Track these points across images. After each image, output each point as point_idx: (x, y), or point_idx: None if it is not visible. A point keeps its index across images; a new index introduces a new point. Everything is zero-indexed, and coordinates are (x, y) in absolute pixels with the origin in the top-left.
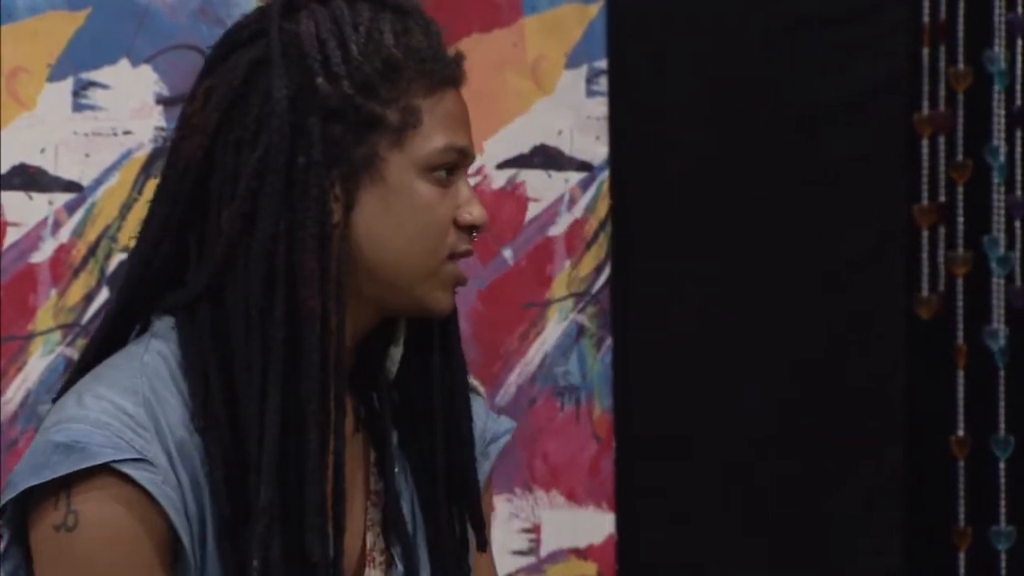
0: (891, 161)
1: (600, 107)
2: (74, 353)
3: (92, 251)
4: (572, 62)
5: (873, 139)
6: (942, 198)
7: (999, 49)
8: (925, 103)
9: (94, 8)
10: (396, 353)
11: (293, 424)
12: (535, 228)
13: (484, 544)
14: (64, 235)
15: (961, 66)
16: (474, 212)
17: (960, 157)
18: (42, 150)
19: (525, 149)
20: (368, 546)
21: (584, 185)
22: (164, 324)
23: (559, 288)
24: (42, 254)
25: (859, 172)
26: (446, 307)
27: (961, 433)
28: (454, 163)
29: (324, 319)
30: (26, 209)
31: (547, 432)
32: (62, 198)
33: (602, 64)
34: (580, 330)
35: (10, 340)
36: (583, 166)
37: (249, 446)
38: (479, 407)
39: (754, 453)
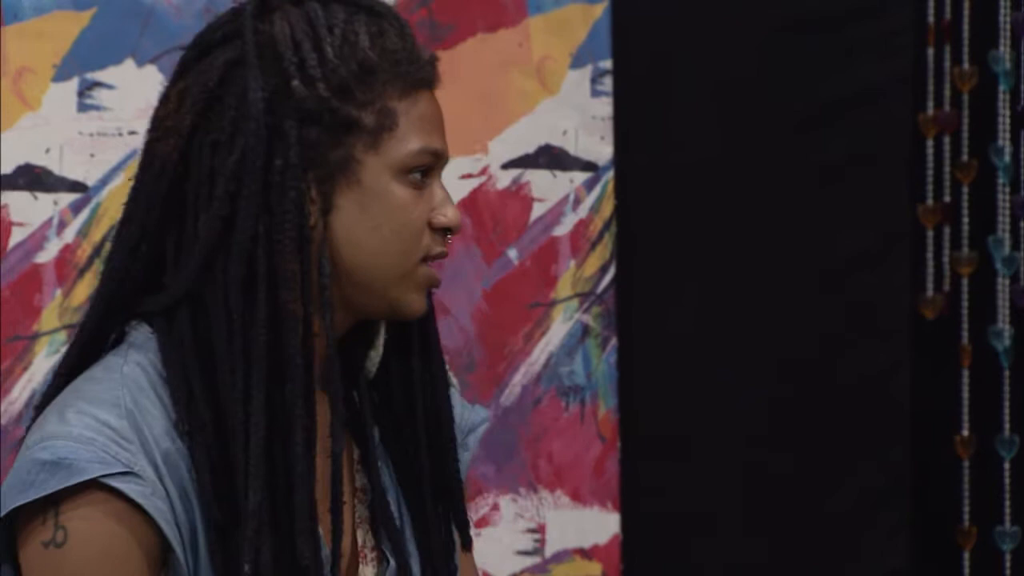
0: (896, 161)
1: (605, 107)
2: None
3: (97, 251)
4: (577, 62)
5: (878, 139)
6: (947, 198)
7: (1004, 49)
8: (930, 103)
9: (99, 8)
10: (375, 354)
11: (279, 427)
12: (540, 228)
13: (468, 542)
14: (69, 235)
15: (966, 66)
16: (448, 214)
17: (965, 157)
18: (47, 150)
19: (530, 149)
20: (360, 543)
21: (589, 185)
22: (141, 333)
23: (564, 288)
24: (47, 254)
25: (864, 172)
26: (419, 309)
27: (966, 433)
28: (429, 165)
29: (307, 322)
30: (31, 209)
31: (552, 432)
32: (67, 198)
33: (607, 64)
34: (585, 330)
35: (15, 340)
36: (588, 166)
37: (235, 451)
38: (454, 398)
39: (758, 453)
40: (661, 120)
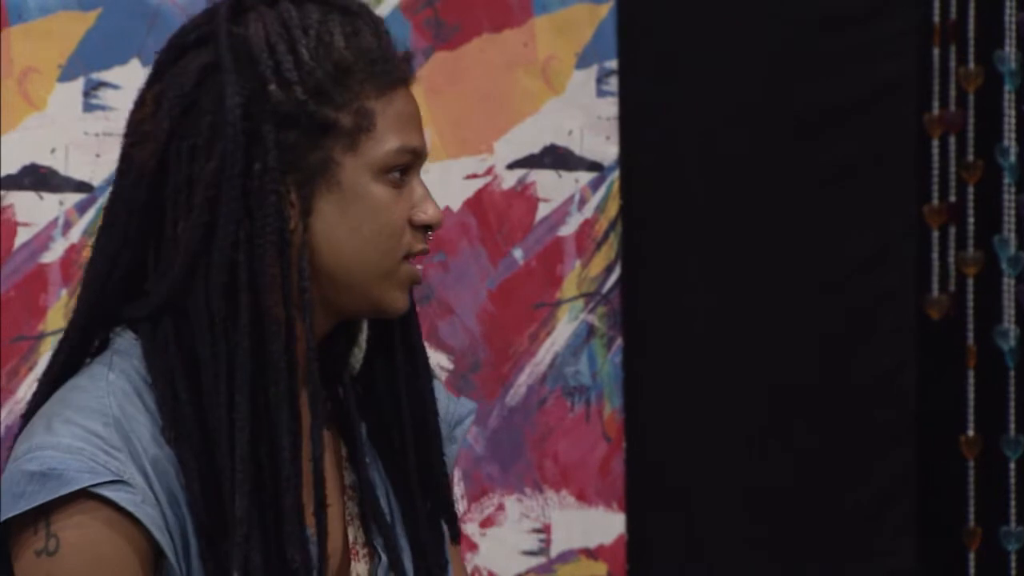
0: (902, 161)
1: (611, 107)
2: None
3: None
4: (583, 62)
5: (884, 139)
6: (953, 198)
7: (1010, 49)
8: (936, 103)
9: (105, 8)
10: (359, 350)
11: (264, 433)
12: (545, 228)
13: (457, 535)
14: (75, 235)
15: (972, 66)
16: (429, 211)
17: (971, 157)
18: (53, 150)
19: (535, 149)
20: (351, 540)
21: (594, 185)
22: (125, 340)
23: (569, 288)
24: (53, 254)
25: (870, 172)
26: (402, 307)
27: (971, 433)
28: (408, 164)
29: (289, 326)
30: (37, 209)
31: (557, 432)
32: (73, 198)
33: (612, 64)
34: (590, 330)
35: (21, 340)
36: (593, 166)
37: (221, 457)
38: (439, 391)
39: (764, 453)
40: (666, 120)
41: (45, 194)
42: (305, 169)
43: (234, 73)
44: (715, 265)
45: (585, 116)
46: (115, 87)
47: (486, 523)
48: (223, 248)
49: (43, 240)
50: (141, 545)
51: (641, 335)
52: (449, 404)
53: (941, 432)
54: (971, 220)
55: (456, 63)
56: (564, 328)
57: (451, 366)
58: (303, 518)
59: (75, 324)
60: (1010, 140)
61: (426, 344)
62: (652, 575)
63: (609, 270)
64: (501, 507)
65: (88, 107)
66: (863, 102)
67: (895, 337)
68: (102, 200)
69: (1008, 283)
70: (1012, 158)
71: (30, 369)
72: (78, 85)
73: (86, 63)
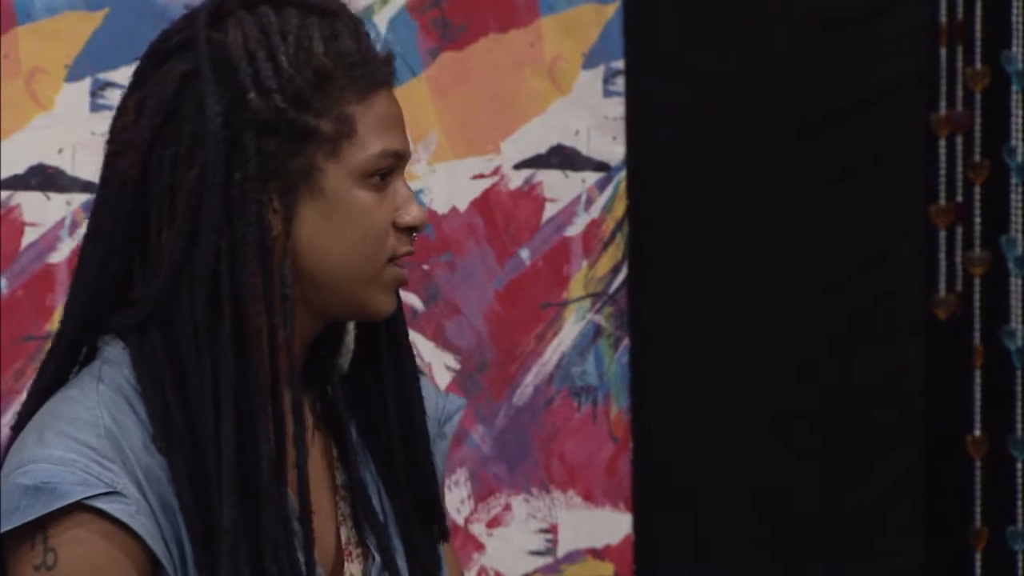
0: (908, 161)
1: (617, 107)
2: None
3: None
4: (589, 62)
5: (891, 139)
6: (959, 198)
7: (1017, 49)
8: (943, 103)
9: (112, 8)
10: (346, 350)
11: (249, 442)
12: (552, 228)
13: (446, 534)
14: (82, 235)
15: (979, 66)
16: (412, 213)
17: (977, 157)
18: (60, 150)
19: (542, 149)
20: (344, 541)
21: (601, 185)
22: (114, 349)
23: (576, 288)
24: (60, 254)
25: (877, 172)
26: (388, 310)
27: (978, 433)
28: (390, 167)
29: (272, 335)
30: (44, 209)
31: (564, 432)
32: (80, 198)
33: (619, 64)
34: (597, 330)
35: (28, 340)
36: (600, 166)
37: (209, 466)
38: (427, 388)
39: (771, 452)
40: (673, 120)
41: (52, 194)
42: (287, 176)
43: (213, 82)
44: (722, 265)
45: (592, 116)
46: (122, 87)
47: (493, 523)
48: (205, 258)
49: (50, 240)
50: (137, 556)
51: (648, 335)
52: (438, 400)
53: (948, 432)
54: (978, 220)
55: (463, 63)
56: (571, 328)
57: (458, 366)
58: (291, 527)
59: (63, 334)
60: (1017, 140)
61: (433, 344)
62: (659, 575)
63: (616, 270)
64: (508, 507)
65: (95, 107)
66: (870, 102)
67: (902, 337)
68: None
69: (1015, 283)
70: (1019, 158)
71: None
72: (85, 85)
73: (93, 63)
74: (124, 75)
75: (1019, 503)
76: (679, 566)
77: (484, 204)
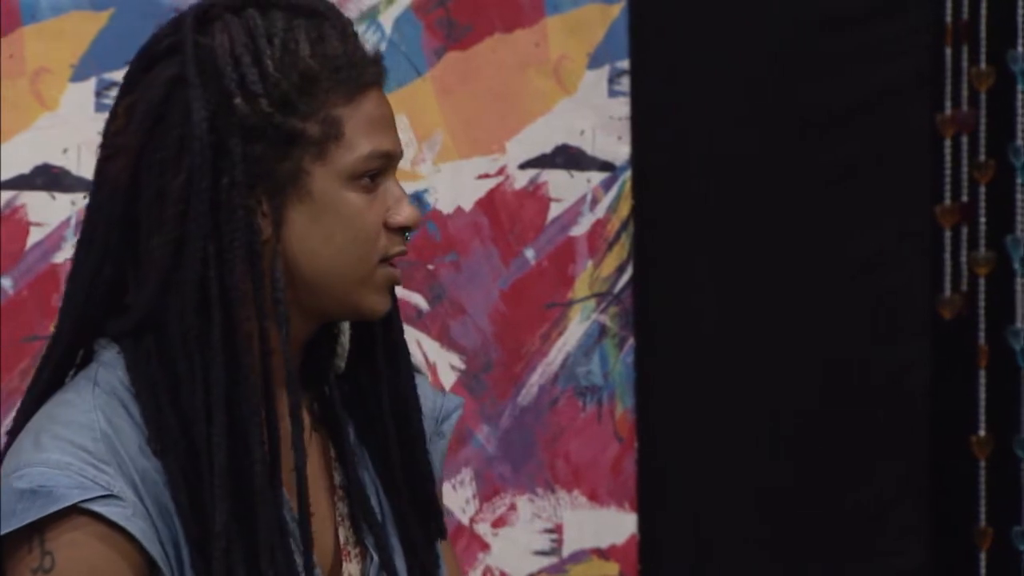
0: (914, 161)
1: (622, 107)
2: None
3: None
4: (594, 62)
5: (896, 139)
6: (965, 198)
7: (1022, 49)
8: (948, 103)
9: (117, 8)
10: (342, 349)
11: (241, 446)
12: (557, 228)
13: (442, 532)
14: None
15: (984, 66)
16: (403, 213)
17: (983, 157)
18: (65, 150)
19: (547, 149)
20: (342, 541)
21: (606, 185)
22: (109, 352)
23: (581, 288)
24: (65, 254)
25: (882, 172)
26: (382, 310)
27: (983, 433)
28: (380, 168)
29: (264, 338)
30: (49, 209)
31: (569, 432)
32: (85, 198)
33: (624, 64)
34: (602, 330)
35: (33, 340)
36: (605, 166)
37: (202, 470)
38: (424, 387)
39: (775, 453)
40: (678, 120)
41: (57, 194)
42: (275, 180)
43: (200, 87)
44: (727, 265)
45: (597, 116)
46: None
47: (498, 523)
48: (193, 263)
49: (55, 240)
50: (134, 559)
51: (653, 335)
52: (436, 400)
53: (952, 432)
54: (983, 220)
55: (468, 63)
56: (576, 328)
57: (463, 366)
58: (287, 530)
59: (58, 339)
60: (1022, 140)
61: (438, 344)
62: (664, 575)
63: (621, 270)
64: (513, 507)
65: (100, 107)
66: (875, 102)
67: (906, 337)
68: None
69: (1020, 283)
70: None
71: None
72: (90, 85)
73: (98, 63)
74: None
75: None
76: (683, 566)
77: (489, 204)
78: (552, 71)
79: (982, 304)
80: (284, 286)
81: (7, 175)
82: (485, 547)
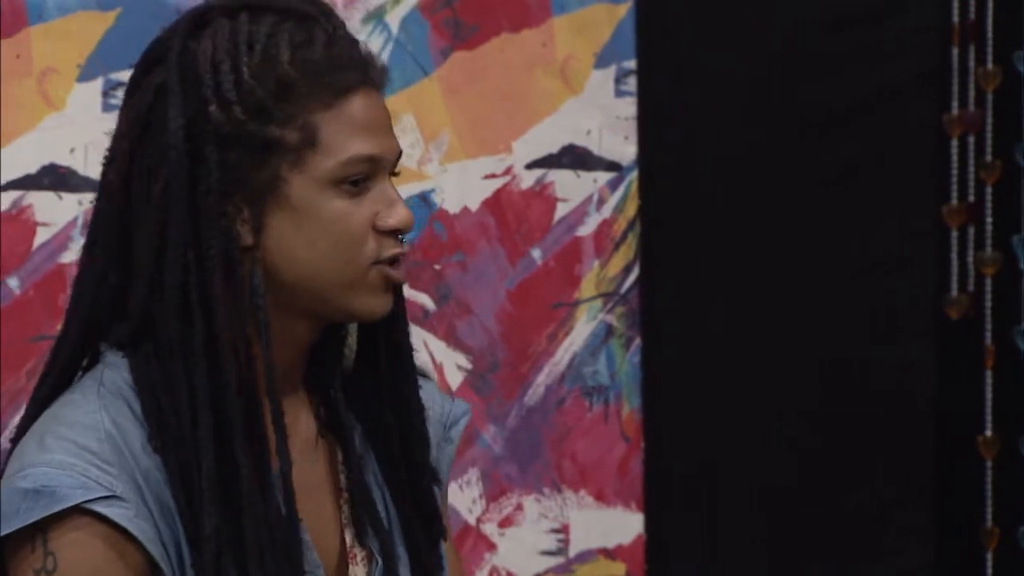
0: (920, 161)
1: (629, 107)
2: None
3: None
4: (601, 62)
5: (902, 139)
6: (971, 198)
7: None
8: (955, 103)
9: (124, 8)
10: (350, 351)
11: (227, 452)
12: (564, 228)
13: (444, 533)
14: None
15: (991, 66)
16: (394, 215)
17: (989, 157)
18: (72, 150)
19: (554, 149)
20: (348, 544)
21: (613, 185)
22: (114, 354)
23: (588, 288)
24: (72, 254)
25: (888, 172)
26: (379, 312)
27: (989, 433)
28: (364, 172)
29: (247, 345)
30: (56, 209)
31: (576, 432)
32: (91, 198)
33: (631, 64)
34: (609, 330)
35: (40, 340)
36: (612, 166)
37: (193, 474)
38: (433, 392)
39: (782, 453)
40: (685, 120)
41: (64, 194)
42: (253, 188)
43: (180, 95)
44: (734, 265)
45: (604, 116)
46: None
47: (505, 523)
48: (174, 270)
49: (62, 240)
50: (136, 559)
51: (659, 335)
52: (444, 405)
53: (959, 432)
54: (990, 220)
55: (475, 63)
56: (582, 328)
57: (469, 366)
58: (275, 534)
59: (64, 343)
60: None
61: (445, 344)
62: (670, 575)
63: (627, 270)
64: (520, 507)
65: (107, 107)
66: (882, 102)
67: (913, 337)
68: None
69: None
70: None
71: None
72: (97, 85)
73: (105, 63)
74: None
75: None
76: (690, 566)
77: (496, 204)
78: (559, 71)
79: (989, 304)
80: (264, 292)
81: (14, 175)
82: (492, 547)
